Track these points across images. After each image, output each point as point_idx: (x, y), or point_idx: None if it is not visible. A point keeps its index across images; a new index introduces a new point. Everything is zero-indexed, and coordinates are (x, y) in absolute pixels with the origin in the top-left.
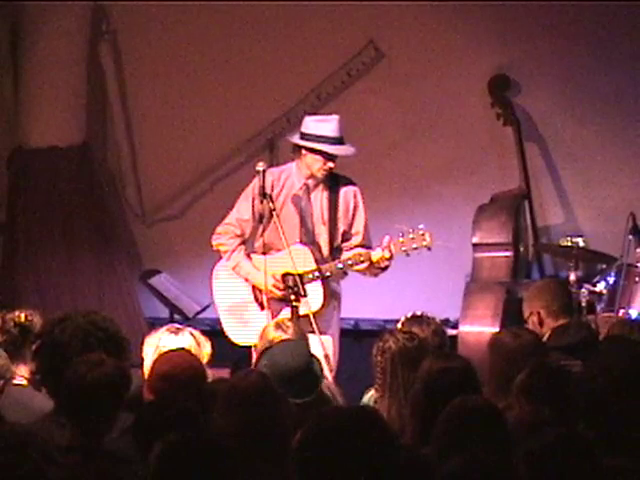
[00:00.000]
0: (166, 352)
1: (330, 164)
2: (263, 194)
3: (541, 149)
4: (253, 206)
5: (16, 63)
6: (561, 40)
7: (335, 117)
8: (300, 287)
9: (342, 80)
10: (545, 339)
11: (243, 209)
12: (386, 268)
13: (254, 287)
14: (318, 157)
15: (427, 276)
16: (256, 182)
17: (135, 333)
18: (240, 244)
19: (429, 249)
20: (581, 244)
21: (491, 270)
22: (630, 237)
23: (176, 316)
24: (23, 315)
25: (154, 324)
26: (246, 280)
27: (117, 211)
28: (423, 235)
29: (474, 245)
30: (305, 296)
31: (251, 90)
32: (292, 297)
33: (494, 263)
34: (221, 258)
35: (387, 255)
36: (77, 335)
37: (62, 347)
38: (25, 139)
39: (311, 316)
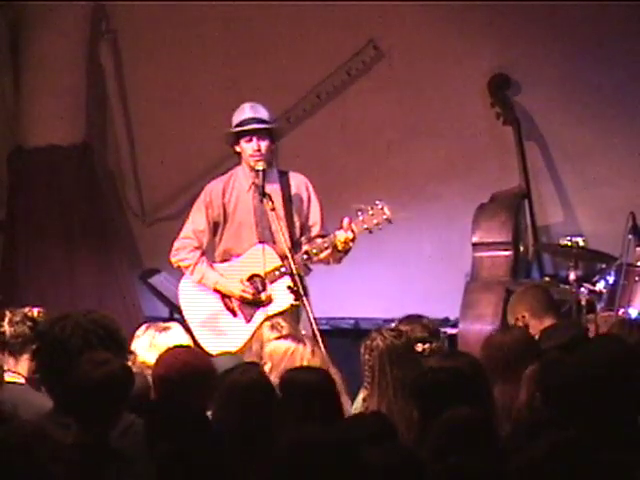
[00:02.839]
0: (167, 350)
1: (252, 145)
2: (263, 193)
3: (541, 149)
4: (207, 216)
5: (16, 63)
6: (561, 40)
7: (248, 103)
8: (300, 287)
9: (342, 80)
10: None
11: (198, 220)
12: (349, 250)
13: (222, 295)
14: (244, 145)
15: (427, 275)
16: (206, 191)
17: (135, 332)
18: (201, 256)
19: (390, 222)
20: (581, 244)
21: (491, 269)
22: (630, 236)
23: (176, 315)
24: (36, 311)
25: None
26: (214, 290)
27: (117, 211)
28: (382, 209)
29: (474, 244)
30: (306, 295)
31: (251, 90)
32: (293, 296)
33: (494, 262)
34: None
35: (350, 236)
36: (77, 333)
37: (62, 345)
38: (25, 138)
39: (309, 312)
